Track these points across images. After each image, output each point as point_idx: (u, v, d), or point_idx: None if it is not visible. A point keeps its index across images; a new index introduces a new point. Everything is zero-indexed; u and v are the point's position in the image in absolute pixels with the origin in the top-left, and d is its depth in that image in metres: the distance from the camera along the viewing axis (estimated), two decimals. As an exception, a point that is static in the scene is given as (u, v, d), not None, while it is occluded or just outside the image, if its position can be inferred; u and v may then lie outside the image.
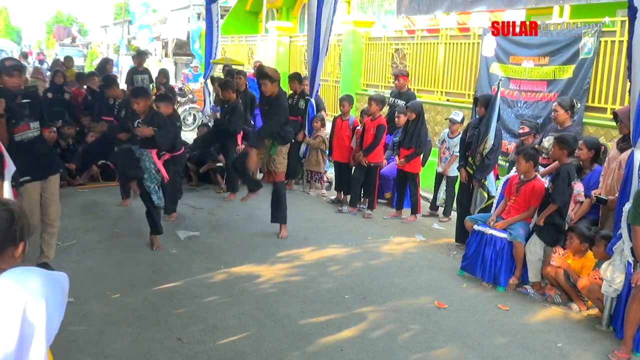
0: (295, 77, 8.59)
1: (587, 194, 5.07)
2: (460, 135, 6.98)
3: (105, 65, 11.92)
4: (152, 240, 5.59)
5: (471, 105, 8.59)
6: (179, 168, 6.81)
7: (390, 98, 8.17)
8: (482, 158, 5.79)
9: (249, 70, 15.58)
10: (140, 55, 11.53)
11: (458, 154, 6.87)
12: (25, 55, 22.54)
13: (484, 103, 5.87)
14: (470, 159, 5.95)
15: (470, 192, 6.01)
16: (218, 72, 12.55)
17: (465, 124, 8.15)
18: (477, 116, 6.13)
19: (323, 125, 8.22)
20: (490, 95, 5.99)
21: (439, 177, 7.37)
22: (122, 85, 15.50)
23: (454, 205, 7.33)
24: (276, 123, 5.83)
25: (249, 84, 10.93)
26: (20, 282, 1.56)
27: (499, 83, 5.99)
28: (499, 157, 6.86)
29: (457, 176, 7.04)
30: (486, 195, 5.87)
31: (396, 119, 7.47)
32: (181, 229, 6.19)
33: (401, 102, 7.73)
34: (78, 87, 10.01)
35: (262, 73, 6.02)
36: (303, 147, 8.23)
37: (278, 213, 6.15)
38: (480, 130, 5.80)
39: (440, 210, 7.41)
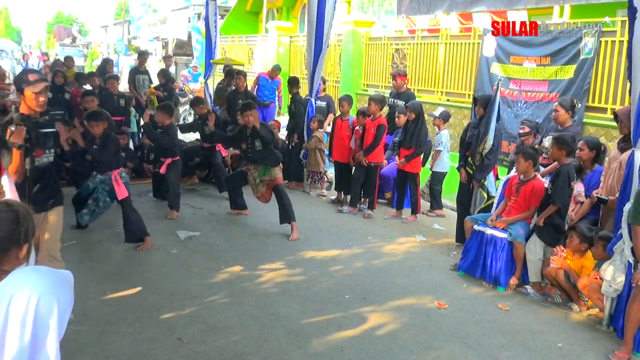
0: (290, 82, 8.70)
1: (587, 194, 5.06)
2: (443, 131, 7.24)
3: (105, 65, 11.97)
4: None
5: (471, 105, 8.60)
6: (179, 170, 6.94)
7: (390, 99, 8.16)
8: (481, 158, 5.79)
9: (250, 69, 15.62)
10: (141, 56, 11.58)
11: (441, 150, 7.15)
12: (24, 57, 21.51)
13: (482, 103, 5.87)
14: (470, 159, 5.95)
15: (470, 192, 6.01)
16: (218, 71, 12.56)
17: (465, 123, 8.16)
18: (476, 116, 6.13)
19: (320, 126, 8.23)
20: (489, 95, 5.99)
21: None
22: (125, 85, 15.57)
23: (450, 203, 7.40)
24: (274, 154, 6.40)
25: (261, 82, 10.97)
26: (31, 279, 1.58)
27: (498, 83, 5.99)
28: (500, 157, 6.88)
29: (444, 172, 7.29)
30: (486, 196, 5.87)
31: (396, 119, 7.47)
32: (181, 229, 6.19)
33: (401, 102, 7.73)
34: (78, 87, 10.00)
35: (248, 104, 6.33)
36: (302, 151, 8.26)
37: (285, 212, 6.21)
38: (480, 130, 5.80)
39: (427, 205, 7.49)
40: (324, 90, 9.22)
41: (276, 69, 11.19)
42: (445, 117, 7.36)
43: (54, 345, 1.55)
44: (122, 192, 5.48)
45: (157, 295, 4.47)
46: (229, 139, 7.07)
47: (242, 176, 6.70)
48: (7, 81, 9.20)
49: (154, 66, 20.72)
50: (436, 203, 7.40)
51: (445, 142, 7.25)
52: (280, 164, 6.61)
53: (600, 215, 5.03)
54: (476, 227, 5.27)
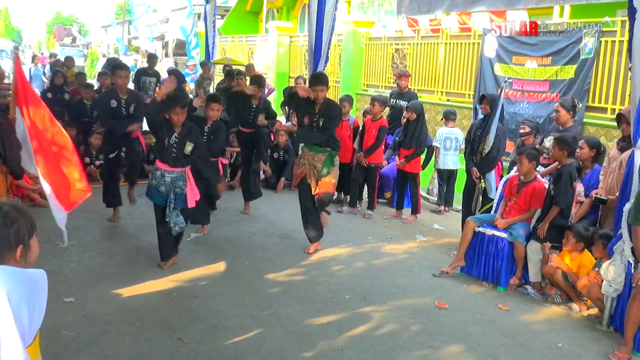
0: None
1: (586, 194, 5.06)
2: (441, 129, 7.50)
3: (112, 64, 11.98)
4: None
5: (471, 105, 8.61)
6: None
7: (392, 99, 8.15)
8: (482, 157, 5.80)
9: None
10: (150, 59, 11.70)
11: (436, 146, 7.43)
12: (35, 60, 19.95)
13: (490, 102, 5.87)
14: (474, 157, 5.98)
15: (474, 192, 6.03)
16: (218, 72, 12.60)
17: (465, 123, 8.15)
18: (481, 114, 6.15)
19: None
20: (497, 95, 6.00)
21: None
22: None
23: (453, 202, 7.49)
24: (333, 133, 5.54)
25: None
26: None
27: (504, 84, 6.01)
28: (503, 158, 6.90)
29: (449, 170, 7.50)
30: (481, 198, 5.89)
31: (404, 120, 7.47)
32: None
33: (403, 103, 7.73)
34: (78, 87, 10.01)
35: (319, 78, 5.49)
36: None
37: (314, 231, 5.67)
38: (484, 130, 5.81)
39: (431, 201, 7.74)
40: None
41: (249, 68, 11.32)
42: (446, 115, 7.51)
43: (15, 345, 1.50)
44: (195, 194, 4.91)
45: (157, 295, 4.47)
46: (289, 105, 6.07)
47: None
48: (6, 81, 9.21)
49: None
50: (441, 201, 7.59)
51: (441, 139, 7.44)
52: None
53: (599, 215, 5.03)
54: (478, 229, 5.26)
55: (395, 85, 8.41)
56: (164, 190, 4.86)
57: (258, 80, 6.95)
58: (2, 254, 1.70)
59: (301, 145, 5.85)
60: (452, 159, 7.48)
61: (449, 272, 5.25)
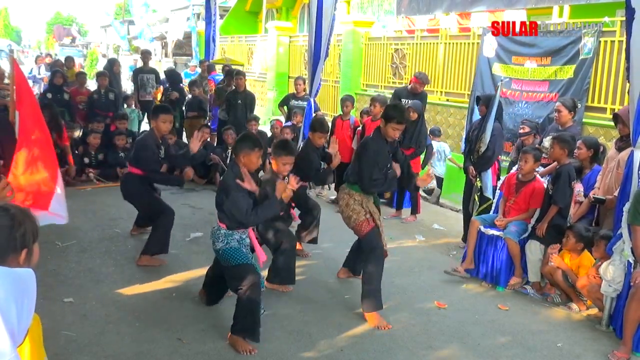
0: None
1: (586, 194, 5.07)
2: (433, 143, 8.01)
3: (112, 65, 11.96)
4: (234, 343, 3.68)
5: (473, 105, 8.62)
6: None
7: (403, 100, 8.00)
8: (478, 156, 5.82)
9: (249, 70, 15.61)
10: (143, 55, 11.62)
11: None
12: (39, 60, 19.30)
13: (485, 102, 5.87)
14: (471, 156, 5.99)
15: (471, 192, 6.03)
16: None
17: (464, 123, 8.14)
18: (478, 115, 6.16)
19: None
20: (492, 95, 6.00)
21: None
22: (129, 84, 15.55)
23: (448, 203, 7.58)
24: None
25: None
26: None
27: (500, 83, 6.01)
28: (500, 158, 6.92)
29: (439, 177, 8.09)
30: (477, 199, 5.89)
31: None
32: (181, 229, 6.18)
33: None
34: (78, 87, 10.02)
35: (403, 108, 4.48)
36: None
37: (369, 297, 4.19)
38: (480, 129, 5.81)
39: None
40: (304, 90, 9.16)
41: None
42: (432, 132, 8.20)
43: (2, 336, 1.49)
44: (262, 256, 3.95)
45: (157, 295, 4.47)
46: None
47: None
48: (6, 81, 9.22)
49: (152, 65, 20.69)
50: (429, 191, 8.21)
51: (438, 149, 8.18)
52: None
53: (595, 215, 5.03)
54: (482, 228, 5.24)
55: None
56: (245, 251, 3.79)
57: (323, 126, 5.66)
58: (6, 256, 1.69)
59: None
60: (441, 169, 8.26)
61: (460, 271, 5.21)
